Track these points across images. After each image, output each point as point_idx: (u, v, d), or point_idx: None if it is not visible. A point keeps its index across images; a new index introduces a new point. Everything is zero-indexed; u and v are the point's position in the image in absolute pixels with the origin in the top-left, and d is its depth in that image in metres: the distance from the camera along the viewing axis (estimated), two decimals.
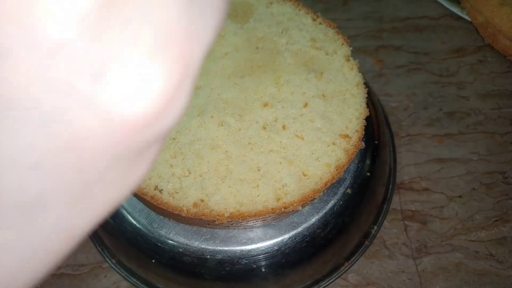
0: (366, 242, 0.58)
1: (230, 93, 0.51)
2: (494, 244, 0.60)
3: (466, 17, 0.78)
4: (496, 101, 0.72)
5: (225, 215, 0.43)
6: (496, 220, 0.62)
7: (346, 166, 0.47)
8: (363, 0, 0.83)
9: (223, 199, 0.45)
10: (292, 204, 0.44)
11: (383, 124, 0.64)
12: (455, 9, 0.79)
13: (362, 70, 0.53)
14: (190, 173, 0.46)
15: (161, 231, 0.50)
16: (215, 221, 0.44)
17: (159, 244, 0.50)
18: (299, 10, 0.57)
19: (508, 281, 0.58)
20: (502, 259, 0.59)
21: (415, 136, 0.69)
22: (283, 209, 0.44)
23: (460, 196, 0.64)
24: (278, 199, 0.45)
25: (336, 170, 0.46)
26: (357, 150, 0.48)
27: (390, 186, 0.62)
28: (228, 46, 0.55)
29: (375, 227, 0.59)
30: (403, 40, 0.79)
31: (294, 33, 0.56)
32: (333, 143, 0.48)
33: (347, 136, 0.48)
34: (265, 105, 0.50)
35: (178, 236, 0.49)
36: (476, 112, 0.71)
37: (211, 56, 0.54)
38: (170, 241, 0.49)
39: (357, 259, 0.57)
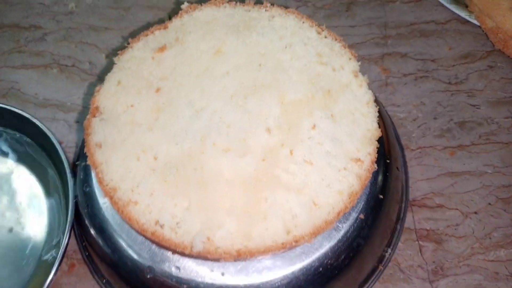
0: (381, 267, 0.55)
1: (233, 116, 0.48)
2: None
3: (474, 21, 0.75)
4: (508, 108, 0.69)
5: (232, 253, 0.40)
6: None
7: (360, 194, 0.44)
8: (366, 5, 0.80)
9: (229, 233, 0.42)
10: (303, 238, 0.41)
11: (393, 138, 0.61)
12: (462, 13, 0.76)
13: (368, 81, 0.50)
14: (193, 206, 0.43)
15: (164, 266, 0.47)
16: (220, 259, 0.41)
17: (162, 280, 0.47)
18: (303, 22, 0.54)
19: None
20: None
21: (426, 149, 0.66)
22: (293, 243, 0.41)
23: (475, 212, 0.61)
24: (288, 232, 0.42)
25: (349, 198, 0.43)
26: (370, 175, 0.45)
27: (403, 205, 0.59)
28: (229, 64, 0.52)
29: (389, 250, 0.56)
30: (409, 47, 0.76)
31: (299, 48, 0.52)
32: (344, 168, 0.45)
33: (359, 160, 0.45)
34: (270, 128, 0.47)
35: (183, 271, 0.46)
36: (488, 121, 0.68)
37: (212, 76, 0.51)
38: (174, 277, 0.46)
39: (371, 286, 0.54)
